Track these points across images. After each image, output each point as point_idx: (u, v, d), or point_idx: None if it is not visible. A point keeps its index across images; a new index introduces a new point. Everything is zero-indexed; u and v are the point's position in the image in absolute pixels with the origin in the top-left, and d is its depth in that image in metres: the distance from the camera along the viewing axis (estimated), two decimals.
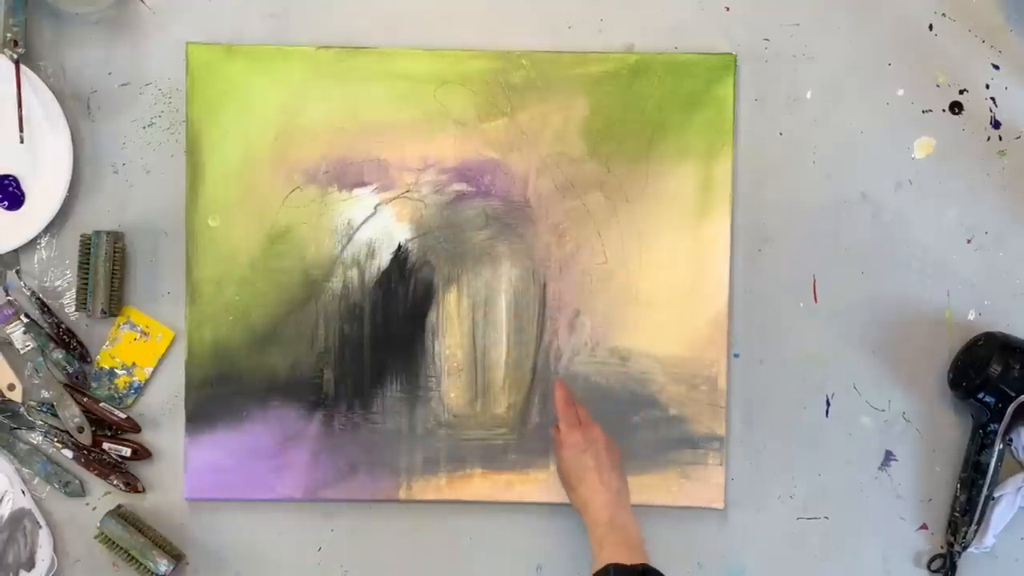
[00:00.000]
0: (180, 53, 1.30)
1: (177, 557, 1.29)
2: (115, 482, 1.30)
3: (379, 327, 1.31)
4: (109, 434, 1.31)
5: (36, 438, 1.31)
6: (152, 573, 1.27)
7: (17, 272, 1.30)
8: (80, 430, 1.29)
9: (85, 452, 1.30)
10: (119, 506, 1.30)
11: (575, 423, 1.25)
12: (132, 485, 1.30)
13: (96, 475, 1.30)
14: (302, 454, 1.31)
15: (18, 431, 1.30)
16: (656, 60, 1.31)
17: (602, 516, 1.19)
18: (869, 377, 1.33)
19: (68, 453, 1.30)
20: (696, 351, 1.32)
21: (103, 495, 1.31)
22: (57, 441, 1.30)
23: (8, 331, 1.28)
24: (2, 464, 1.30)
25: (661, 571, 1.12)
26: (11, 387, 1.29)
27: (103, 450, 1.30)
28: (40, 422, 1.30)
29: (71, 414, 1.29)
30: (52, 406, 1.29)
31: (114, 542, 1.27)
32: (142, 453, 1.30)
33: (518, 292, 1.32)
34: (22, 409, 1.30)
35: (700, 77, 1.31)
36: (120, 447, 1.30)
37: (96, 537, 1.28)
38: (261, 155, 1.31)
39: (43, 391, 1.30)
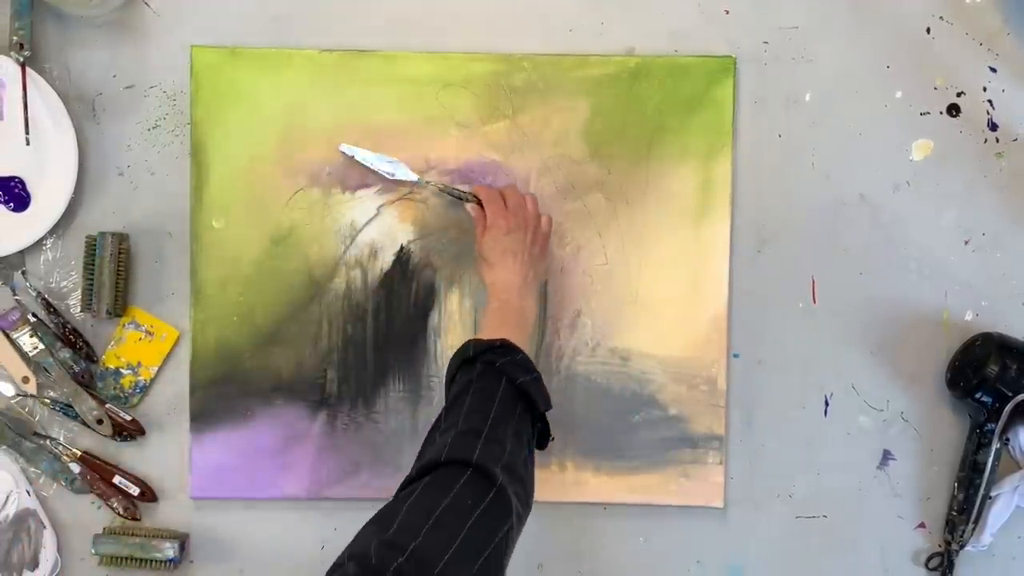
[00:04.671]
0: (184, 56, 1.31)
1: (179, 538, 1.30)
2: (114, 505, 1.30)
3: (382, 327, 1.32)
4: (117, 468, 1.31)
5: (42, 437, 1.31)
6: (162, 562, 1.28)
7: (23, 273, 1.31)
8: (99, 422, 1.29)
9: (90, 469, 1.30)
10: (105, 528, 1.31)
11: (501, 210, 1.24)
12: (131, 511, 1.30)
13: (98, 495, 1.30)
14: (306, 453, 1.31)
15: (24, 429, 1.31)
16: (656, 63, 1.32)
17: (502, 296, 1.21)
18: (868, 377, 1.34)
19: (75, 468, 1.30)
20: (696, 351, 1.32)
21: None
22: (64, 455, 1.30)
23: (15, 336, 1.29)
24: (7, 463, 1.30)
25: (522, 350, 1.13)
26: (25, 379, 1.30)
27: (113, 484, 1.30)
28: (42, 434, 1.30)
29: (89, 407, 1.29)
30: (65, 405, 1.30)
31: (116, 557, 1.28)
32: (149, 496, 1.30)
33: None
34: (25, 415, 1.30)
35: (700, 80, 1.32)
36: (130, 484, 1.30)
37: (100, 564, 1.29)
38: (265, 157, 1.31)
39: (49, 391, 1.31)
